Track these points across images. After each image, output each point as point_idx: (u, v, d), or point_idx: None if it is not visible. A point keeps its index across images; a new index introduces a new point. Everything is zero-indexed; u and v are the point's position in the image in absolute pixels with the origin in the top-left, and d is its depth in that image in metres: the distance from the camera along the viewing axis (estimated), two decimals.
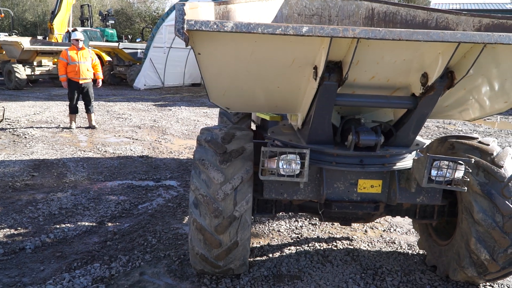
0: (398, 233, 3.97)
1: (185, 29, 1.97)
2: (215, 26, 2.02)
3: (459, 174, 2.65)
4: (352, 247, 3.63)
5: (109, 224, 3.96)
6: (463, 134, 3.12)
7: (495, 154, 2.83)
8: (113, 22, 23.35)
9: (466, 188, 2.65)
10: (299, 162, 2.63)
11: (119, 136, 7.92)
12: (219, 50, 2.25)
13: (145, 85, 16.07)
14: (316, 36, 2.02)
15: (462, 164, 2.63)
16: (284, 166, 2.65)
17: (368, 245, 3.70)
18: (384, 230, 4.01)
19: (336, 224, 4.09)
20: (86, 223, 3.93)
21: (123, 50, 16.74)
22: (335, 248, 3.59)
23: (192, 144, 7.46)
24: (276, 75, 2.52)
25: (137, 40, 22.47)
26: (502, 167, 2.77)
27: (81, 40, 8.17)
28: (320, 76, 2.29)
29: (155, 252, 3.41)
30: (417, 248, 3.65)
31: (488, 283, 3.09)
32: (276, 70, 2.47)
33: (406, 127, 2.71)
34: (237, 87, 2.71)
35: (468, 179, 2.65)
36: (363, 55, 2.23)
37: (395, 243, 3.77)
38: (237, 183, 2.67)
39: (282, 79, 2.56)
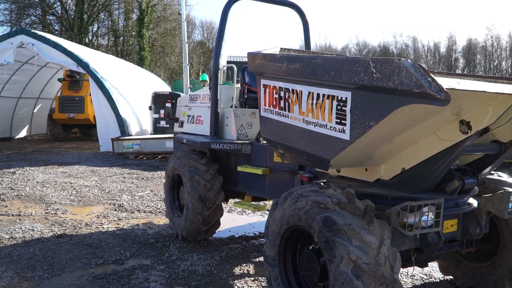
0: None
1: (445, 88, 1.90)
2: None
3: None
4: None
5: None
6: None
7: None
8: None
9: None
10: (434, 212, 2.71)
11: None
12: (420, 107, 2.19)
13: None
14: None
15: None
16: (425, 218, 2.68)
17: (403, 284, 3.93)
18: None
19: None
20: None
21: None
22: None
23: (99, 211, 6.20)
24: (421, 130, 2.58)
25: None
26: None
27: None
28: (480, 130, 2.50)
29: None
30: (435, 275, 4.10)
31: None
32: (428, 124, 2.54)
33: (486, 170, 3.14)
34: (374, 146, 2.63)
35: None
36: None
37: (414, 276, 4.12)
38: (388, 243, 2.53)
39: (419, 133, 2.63)
